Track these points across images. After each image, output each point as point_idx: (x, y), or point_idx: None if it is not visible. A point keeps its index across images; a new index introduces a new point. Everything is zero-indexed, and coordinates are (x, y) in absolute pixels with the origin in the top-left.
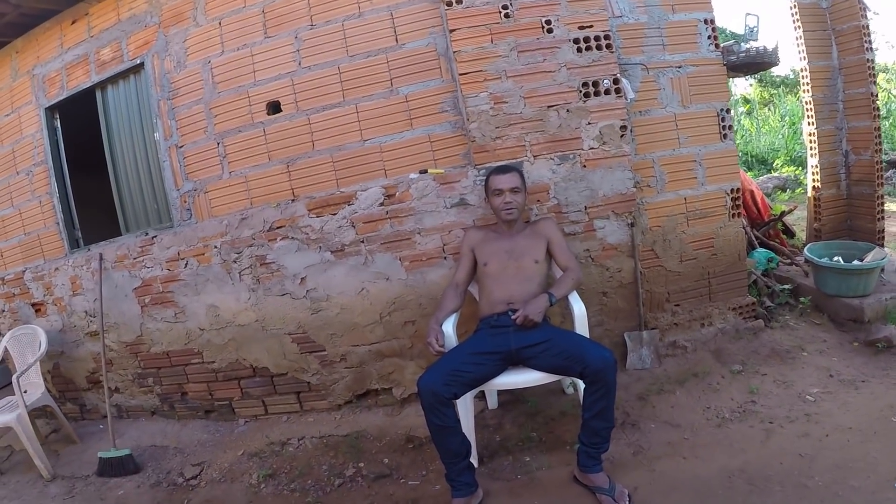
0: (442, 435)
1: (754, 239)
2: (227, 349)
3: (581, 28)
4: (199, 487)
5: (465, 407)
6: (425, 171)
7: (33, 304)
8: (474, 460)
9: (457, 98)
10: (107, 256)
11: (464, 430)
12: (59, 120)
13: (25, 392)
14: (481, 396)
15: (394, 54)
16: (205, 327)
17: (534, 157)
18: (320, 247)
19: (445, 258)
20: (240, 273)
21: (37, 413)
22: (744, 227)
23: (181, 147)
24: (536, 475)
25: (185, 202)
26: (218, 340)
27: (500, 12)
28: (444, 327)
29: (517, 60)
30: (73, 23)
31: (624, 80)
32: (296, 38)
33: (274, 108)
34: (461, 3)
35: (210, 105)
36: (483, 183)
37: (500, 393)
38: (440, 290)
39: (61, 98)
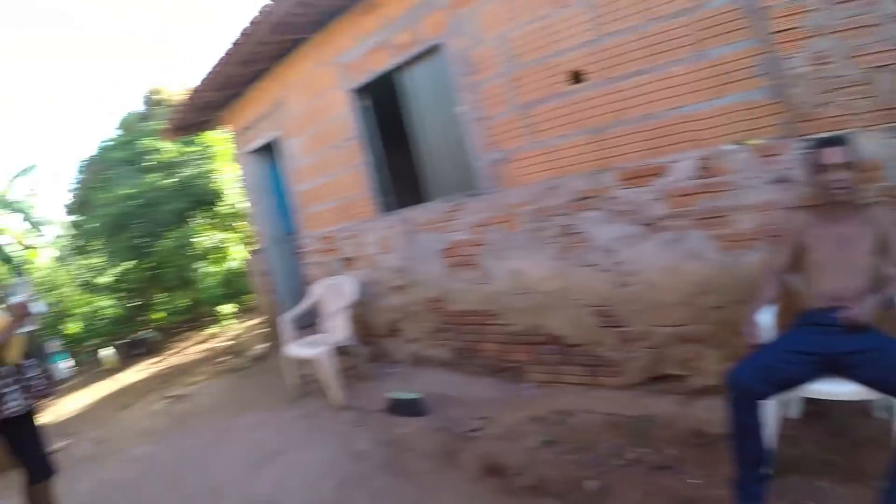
0: (742, 436)
1: None
2: (526, 314)
3: None
4: (480, 440)
5: (772, 411)
6: (742, 143)
7: (344, 259)
8: (768, 471)
9: (771, 60)
10: (415, 220)
11: (764, 436)
12: (365, 99)
13: (332, 332)
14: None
15: (697, 14)
16: (506, 291)
17: (862, 127)
18: (630, 219)
19: (762, 240)
20: (546, 241)
21: (339, 351)
22: None
23: (484, 119)
24: None
25: (491, 171)
26: (518, 304)
27: None
28: (760, 318)
29: (835, 14)
30: (367, 14)
31: None
32: (590, 5)
33: (575, 77)
34: None
35: (510, 78)
36: (806, 157)
37: (805, 402)
38: (753, 275)
39: (365, 81)
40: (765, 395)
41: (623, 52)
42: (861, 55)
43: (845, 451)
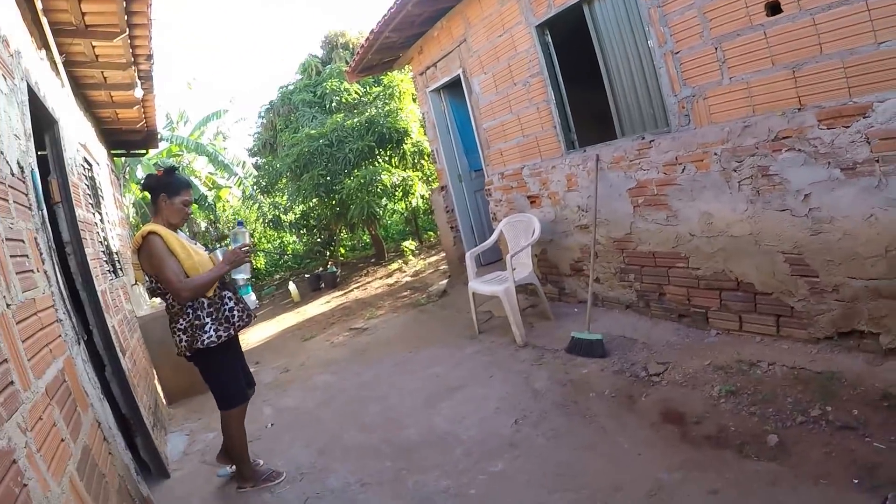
0: None
1: None
2: (715, 258)
3: None
4: (660, 385)
5: None
6: None
7: (529, 197)
8: None
9: None
10: (603, 158)
11: None
12: (549, 35)
13: (514, 270)
14: None
15: None
16: (695, 233)
17: None
18: (829, 162)
19: None
20: (739, 182)
21: (520, 289)
22: None
23: (676, 53)
24: None
25: (683, 108)
26: (706, 248)
27: None
28: None
29: None
30: None
31: None
32: None
33: (773, 8)
34: None
35: (703, 9)
36: None
37: None
38: None
39: (549, 16)
40: None
41: None
42: None
43: None
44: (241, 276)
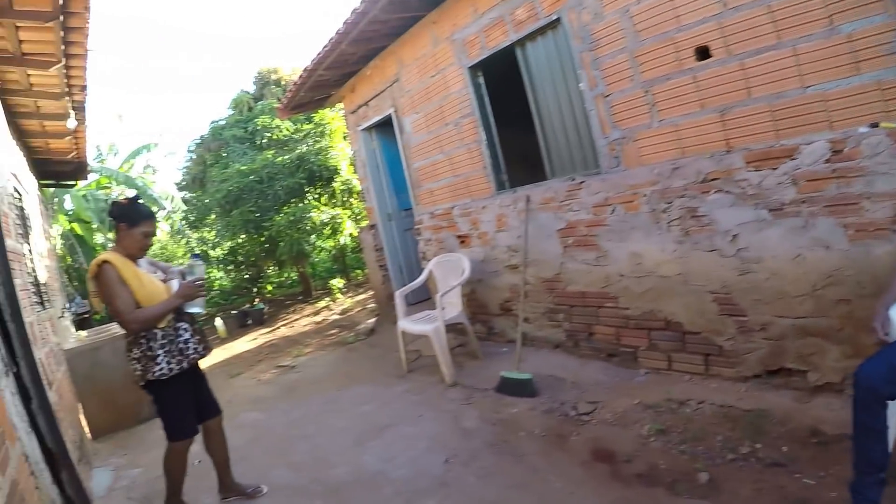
0: (865, 437)
1: None
2: (644, 298)
3: None
4: (590, 424)
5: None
6: (876, 125)
7: (459, 236)
8: (885, 477)
9: None
10: (533, 198)
11: (888, 440)
12: (482, 76)
13: (444, 309)
14: None
15: None
16: (624, 273)
17: None
18: (756, 203)
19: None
20: (668, 223)
21: (450, 328)
22: None
23: (607, 96)
24: None
25: (613, 150)
26: (636, 288)
27: None
28: (891, 313)
29: None
30: None
31: None
32: None
33: (702, 53)
34: None
35: (634, 53)
36: None
37: None
38: (885, 267)
39: (482, 58)
40: (893, 397)
41: (751, 27)
42: None
43: None
44: (195, 309)
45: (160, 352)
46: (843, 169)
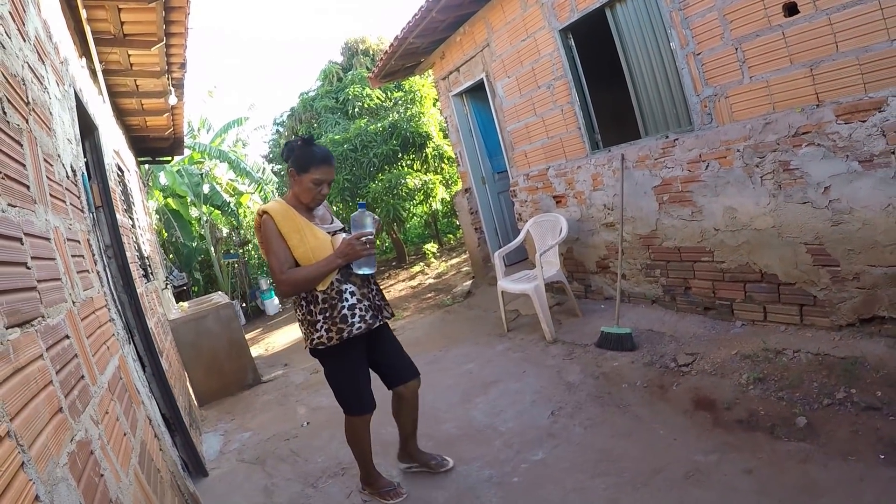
0: None
1: None
2: (739, 251)
3: None
4: (690, 374)
5: None
6: None
7: (555, 197)
8: None
9: None
10: (627, 157)
11: None
12: (572, 39)
13: (542, 268)
14: None
15: None
16: (720, 228)
17: None
18: (847, 155)
19: None
20: (761, 177)
21: (548, 287)
22: None
23: (698, 54)
24: None
25: (706, 107)
26: (731, 242)
27: None
28: None
29: None
30: None
31: None
32: None
33: (790, 9)
34: None
35: (723, 11)
36: None
37: None
38: None
39: (572, 20)
40: None
41: None
42: None
43: None
44: (364, 270)
45: (320, 317)
46: None
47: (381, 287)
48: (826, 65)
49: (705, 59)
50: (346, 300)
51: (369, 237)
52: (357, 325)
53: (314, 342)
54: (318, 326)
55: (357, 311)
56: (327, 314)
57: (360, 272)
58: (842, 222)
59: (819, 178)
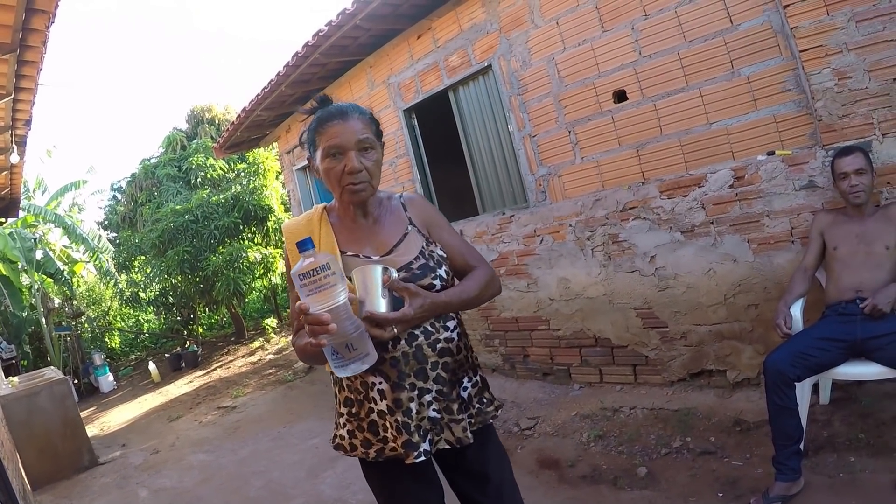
0: (780, 415)
1: None
2: (573, 319)
3: None
4: (533, 437)
5: (803, 392)
6: (772, 153)
7: None
8: (803, 448)
9: (798, 76)
10: (466, 232)
11: (800, 416)
12: (415, 119)
13: None
14: (814, 390)
15: (730, 35)
16: (554, 297)
17: (882, 135)
18: (670, 227)
19: (793, 242)
20: (592, 249)
21: None
22: None
23: (534, 136)
24: (859, 476)
25: (540, 185)
26: (565, 310)
27: None
28: (792, 310)
29: (856, 31)
30: (419, 37)
31: None
32: (632, 29)
33: (619, 96)
34: None
35: (558, 97)
36: (830, 165)
37: (833, 388)
38: (786, 274)
39: (416, 101)
40: (799, 379)
41: (662, 73)
42: (879, 69)
43: (873, 430)
44: (349, 367)
45: (343, 410)
46: (745, 192)
47: (221, 363)
48: (651, 146)
49: (541, 141)
50: (374, 401)
51: (355, 315)
52: (390, 446)
53: (335, 440)
54: (341, 422)
55: (388, 423)
56: (353, 410)
57: (339, 372)
58: (668, 287)
59: (645, 248)
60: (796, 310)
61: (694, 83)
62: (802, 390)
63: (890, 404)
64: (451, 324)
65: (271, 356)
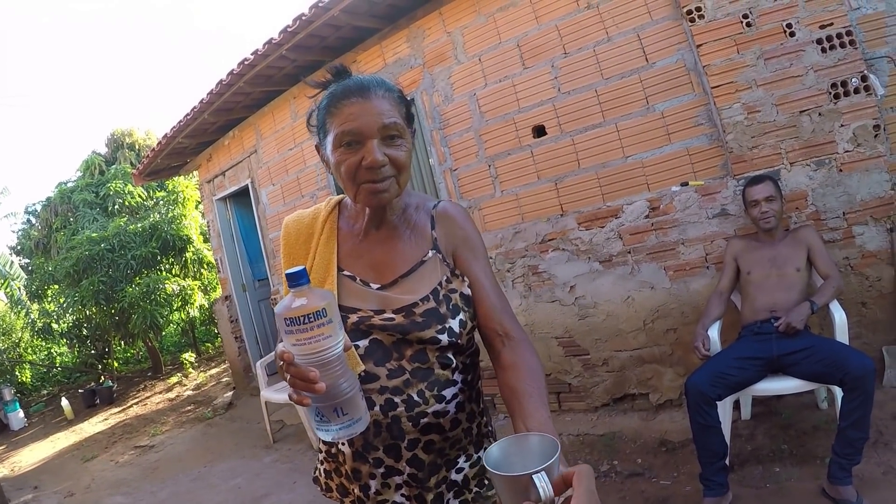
0: (704, 434)
1: None
2: None
3: (822, 27)
4: None
5: (725, 410)
6: (686, 184)
7: None
8: (728, 463)
9: (710, 111)
10: None
11: (723, 432)
12: None
13: None
14: (735, 406)
15: (646, 73)
16: None
17: (790, 164)
18: (589, 257)
19: (708, 267)
20: (513, 281)
21: None
22: None
23: (455, 170)
24: (785, 485)
25: None
26: None
27: (742, 22)
28: (709, 333)
29: (765, 68)
30: None
31: (871, 76)
32: (552, 66)
33: (539, 131)
34: (703, 17)
35: (479, 132)
36: (741, 193)
37: (753, 404)
38: (702, 298)
39: None
40: (720, 398)
41: (580, 109)
42: (786, 102)
43: (794, 440)
44: (330, 430)
45: (323, 448)
46: (661, 222)
47: (137, 400)
48: (569, 179)
49: (461, 175)
50: (342, 456)
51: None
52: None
53: (315, 472)
54: (320, 458)
55: (363, 474)
56: (332, 450)
57: (321, 435)
58: (588, 316)
59: (565, 278)
60: (714, 332)
61: (611, 118)
62: (724, 408)
63: (809, 415)
64: (448, 392)
65: (189, 392)
